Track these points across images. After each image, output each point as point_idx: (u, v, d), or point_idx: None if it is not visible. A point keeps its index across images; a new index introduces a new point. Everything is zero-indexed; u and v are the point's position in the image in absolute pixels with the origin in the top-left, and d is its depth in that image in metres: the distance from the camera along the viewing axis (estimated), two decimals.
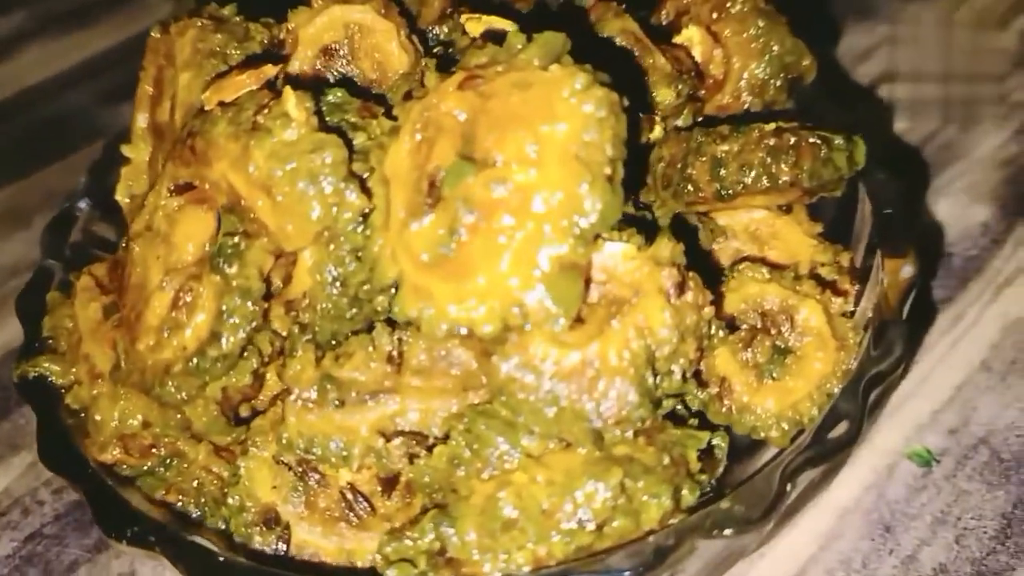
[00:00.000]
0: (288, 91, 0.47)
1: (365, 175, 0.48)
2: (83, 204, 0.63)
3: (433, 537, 0.45)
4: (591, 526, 0.44)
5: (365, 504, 0.51)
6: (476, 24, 0.57)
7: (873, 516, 0.63)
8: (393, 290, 0.47)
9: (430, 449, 0.49)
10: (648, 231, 0.49)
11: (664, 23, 0.65)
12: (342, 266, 0.49)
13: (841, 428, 0.47)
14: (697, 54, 0.63)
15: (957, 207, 0.81)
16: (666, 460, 0.47)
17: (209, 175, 0.48)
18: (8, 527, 0.68)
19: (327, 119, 0.50)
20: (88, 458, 0.50)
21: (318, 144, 0.46)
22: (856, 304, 0.56)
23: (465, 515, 0.45)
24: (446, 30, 0.59)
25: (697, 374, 0.52)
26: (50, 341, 0.55)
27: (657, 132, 0.58)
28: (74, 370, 0.53)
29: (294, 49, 0.55)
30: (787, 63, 0.62)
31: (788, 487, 0.44)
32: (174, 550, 0.45)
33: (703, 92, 0.63)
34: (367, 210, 0.48)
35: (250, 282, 0.48)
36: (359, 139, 0.49)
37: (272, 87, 0.51)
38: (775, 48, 0.62)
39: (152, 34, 0.60)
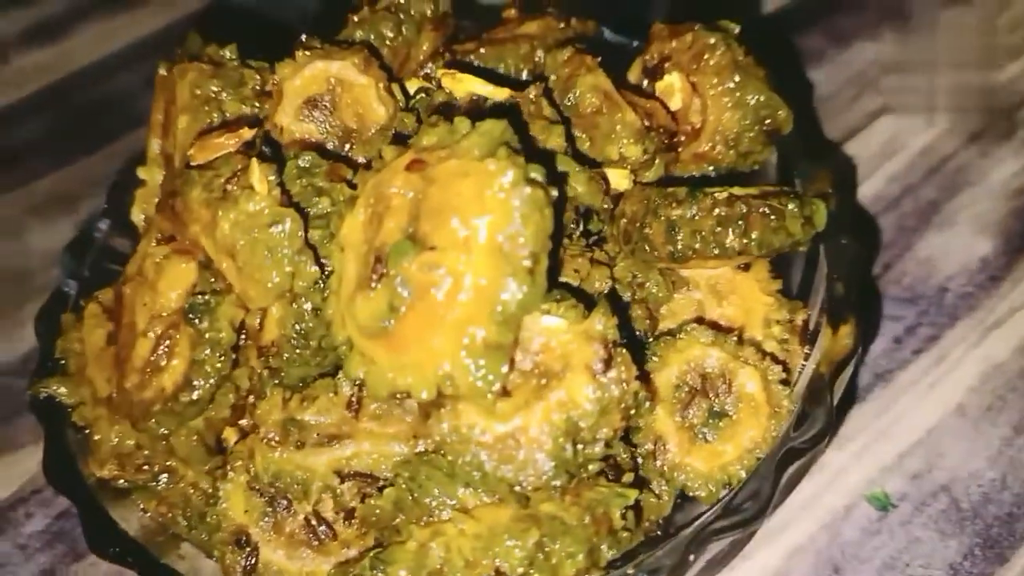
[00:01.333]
0: (254, 164, 0.51)
1: (325, 241, 0.52)
2: (103, 224, 0.69)
3: None
4: None
5: (327, 530, 0.56)
6: (451, 80, 0.60)
7: (824, 556, 0.66)
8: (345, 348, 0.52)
9: (381, 490, 0.54)
10: (587, 302, 0.52)
11: (648, 67, 0.67)
12: (303, 321, 0.53)
13: (752, 502, 0.50)
14: (677, 100, 0.65)
15: (959, 238, 0.82)
16: (587, 519, 0.50)
17: (187, 234, 0.53)
18: (42, 504, 0.76)
19: (299, 180, 0.54)
20: (85, 478, 0.56)
21: (277, 217, 0.50)
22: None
23: (399, 560, 0.50)
24: (424, 82, 0.62)
25: (632, 431, 0.55)
26: (61, 362, 0.61)
27: (625, 184, 0.61)
28: (81, 390, 0.60)
29: (279, 100, 0.59)
30: (762, 116, 0.63)
31: (691, 557, 0.48)
32: (148, 573, 0.51)
33: (680, 139, 0.65)
34: (325, 274, 0.52)
35: (220, 335, 0.53)
36: (323, 203, 0.53)
37: (251, 147, 0.56)
38: (750, 101, 0.63)
39: (160, 71, 0.65)
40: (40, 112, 1.08)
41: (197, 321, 0.52)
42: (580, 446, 0.50)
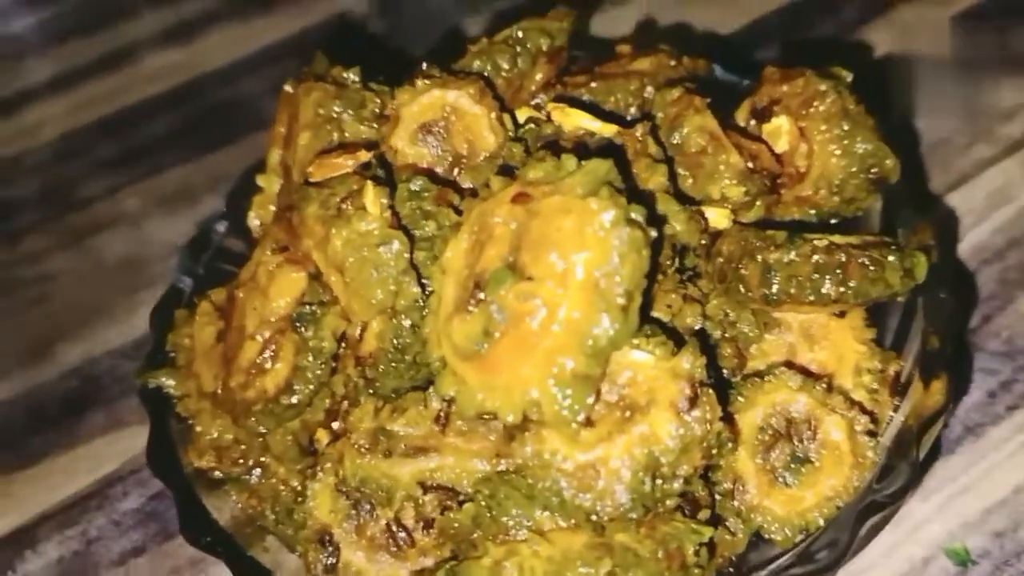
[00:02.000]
0: (368, 186, 0.54)
1: (428, 262, 0.55)
2: (220, 227, 0.72)
3: None
4: None
5: (406, 537, 0.59)
6: (560, 114, 0.61)
7: None
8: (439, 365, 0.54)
9: (461, 504, 0.56)
10: (677, 340, 0.53)
11: (757, 108, 0.67)
12: (401, 337, 0.56)
13: (828, 551, 0.50)
14: (783, 143, 0.65)
15: None
16: (660, 553, 0.51)
17: (300, 246, 0.56)
18: (139, 484, 0.81)
19: (409, 202, 0.57)
20: (184, 467, 0.60)
21: (386, 238, 0.53)
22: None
23: (474, 574, 0.52)
24: (535, 112, 0.64)
25: (712, 469, 0.56)
26: (172, 354, 0.65)
27: (724, 223, 0.62)
28: (187, 383, 0.63)
29: (396, 124, 0.62)
30: (869, 164, 0.63)
31: None
32: (235, 563, 0.54)
33: (784, 181, 0.65)
34: (425, 294, 0.54)
35: (323, 343, 0.56)
36: (430, 227, 0.56)
37: (367, 168, 0.58)
38: (858, 149, 0.63)
39: (286, 88, 0.68)
40: (170, 110, 1.13)
41: (303, 329, 0.55)
42: (659, 481, 0.51)
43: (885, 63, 1.00)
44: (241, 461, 0.62)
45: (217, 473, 0.62)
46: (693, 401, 0.51)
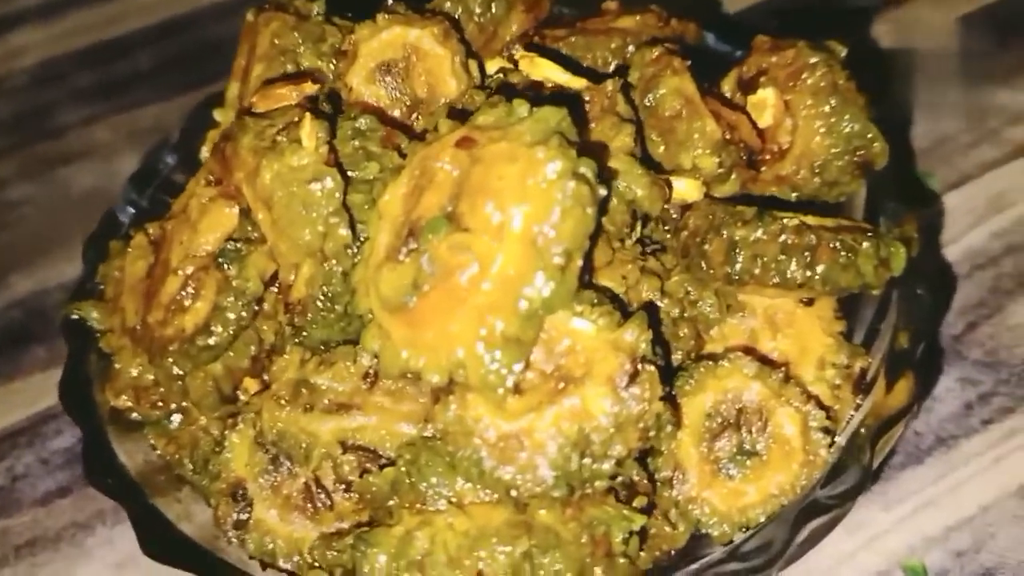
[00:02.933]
0: (307, 118, 0.50)
1: (366, 206, 0.51)
2: (170, 159, 0.69)
3: (348, 556, 0.48)
4: None
5: (324, 498, 0.55)
6: (528, 63, 0.57)
7: None
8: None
9: (382, 468, 0.52)
10: (626, 312, 0.49)
11: (744, 79, 0.63)
12: (331, 284, 0.52)
13: (763, 552, 0.46)
14: (768, 117, 0.61)
15: None
16: (584, 538, 0.48)
17: (231, 180, 0.52)
18: (71, 423, 0.77)
19: (353, 141, 0.53)
20: (97, 404, 0.56)
21: (318, 174, 0.49)
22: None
23: (381, 543, 0.48)
24: (506, 62, 0.60)
25: (654, 454, 0.52)
26: (100, 287, 0.62)
27: (694, 195, 0.58)
28: (112, 318, 0.60)
29: (354, 60, 0.58)
30: (855, 145, 0.59)
31: None
32: (134, 509, 0.51)
33: (765, 157, 0.61)
34: (359, 240, 0.51)
35: (247, 284, 0.52)
36: (372, 168, 0.52)
37: (314, 102, 0.55)
38: (844, 128, 0.59)
39: (248, 17, 0.64)
40: (155, 44, 1.10)
41: (226, 267, 0.51)
42: (588, 460, 0.47)
43: (891, 53, 0.96)
44: (160, 404, 0.58)
45: (136, 415, 0.59)
46: (632, 377, 0.47)
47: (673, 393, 0.51)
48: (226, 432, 0.57)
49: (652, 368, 0.47)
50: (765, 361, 0.55)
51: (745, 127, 0.59)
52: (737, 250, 0.53)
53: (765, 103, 0.61)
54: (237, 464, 0.56)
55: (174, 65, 1.07)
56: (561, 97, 0.51)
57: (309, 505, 0.55)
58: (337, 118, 0.53)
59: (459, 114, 0.51)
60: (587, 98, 0.55)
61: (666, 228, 0.59)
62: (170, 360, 0.53)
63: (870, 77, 0.61)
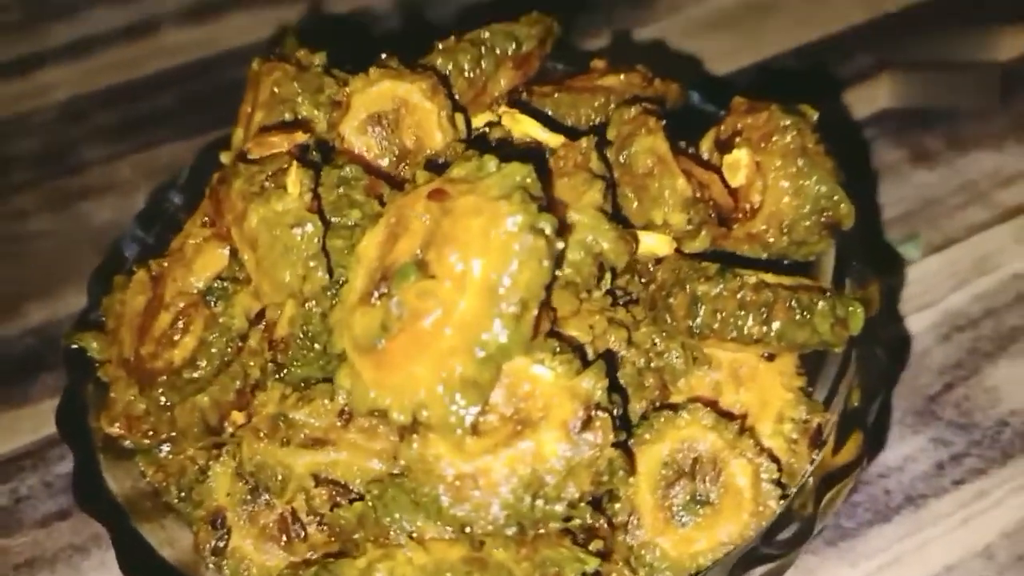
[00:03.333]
0: (293, 167, 0.53)
1: (346, 252, 0.54)
2: (176, 199, 0.72)
3: None
4: None
5: (299, 531, 0.58)
6: (510, 119, 0.61)
7: None
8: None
9: (352, 502, 0.55)
10: (587, 362, 0.52)
11: (721, 139, 0.66)
12: (310, 324, 0.55)
13: None
14: (742, 176, 0.64)
15: None
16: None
17: (223, 221, 0.56)
18: None
19: (338, 188, 0.56)
20: (90, 430, 0.59)
21: (300, 220, 0.52)
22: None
23: (344, 573, 0.51)
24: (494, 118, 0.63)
25: (612, 499, 0.54)
26: (103, 318, 0.65)
27: (665, 250, 0.60)
28: (111, 349, 0.63)
29: (347, 111, 0.61)
30: (822, 206, 0.61)
31: None
32: (116, 532, 0.54)
33: (737, 217, 0.64)
34: (339, 283, 0.54)
35: (232, 320, 0.55)
36: (355, 215, 0.55)
37: (305, 151, 0.58)
38: (811, 190, 0.61)
39: (253, 66, 0.68)
40: (178, 85, 1.14)
41: (213, 304, 0.55)
42: (541, 501, 0.49)
43: (885, 113, 0.98)
44: (152, 433, 0.61)
45: (128, 443, 0.62)
46: (586, 423, 0.49)
47: (628, 440, 0.53)
48: (210, 462, 0.59)
49: (606, 415, 0.50)
50: (723, 414, 0.57)
51: (716, 186, 0.62)
52: (699, 304, 0.56)
53: (739, 163, 0.64)
54: (218, 493, 0.58)
55: (194, 106, 1.11)
56: (528, 153, 0.54)
57: (284, 536, 0.58)
58: (324, 166, 0.56)
59: (436, 166, 0.54)
60: (562, 154, 0.58)
61: (643, 281, 0.61)
62: (159, 391, 0.56)
63: (854, 138, 0.63)
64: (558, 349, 0.51)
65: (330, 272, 0.53)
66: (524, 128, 0.60)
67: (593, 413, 0.49)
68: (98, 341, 0.63)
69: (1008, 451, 0.72)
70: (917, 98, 0.99)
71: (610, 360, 0.54)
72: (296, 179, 0.53)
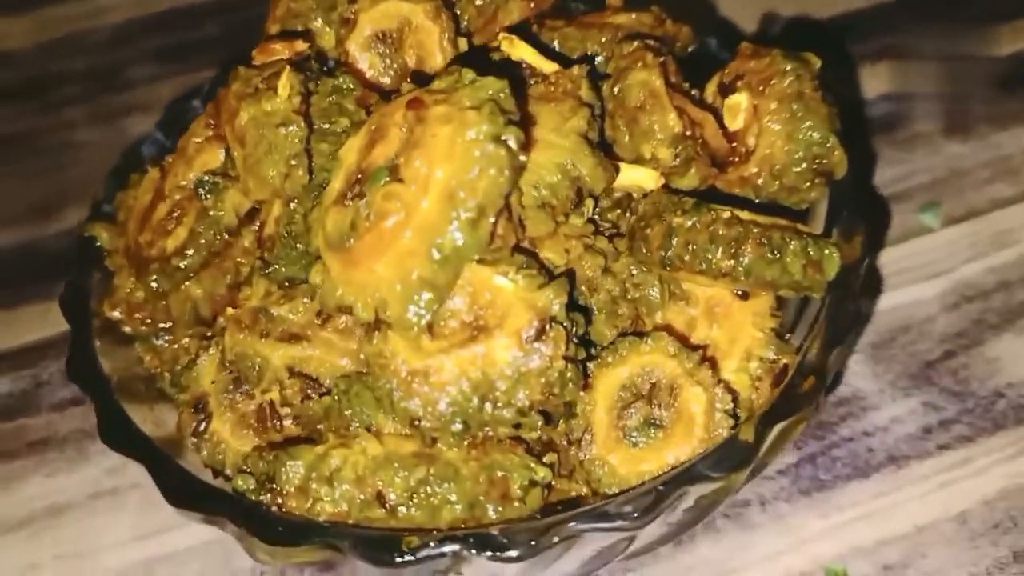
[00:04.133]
0: (285, 71, 0.56)
1: (331, 155, 0.56)
2: (196, 102, 0.75)
3: (269, 465, 0.53)
4: (385, 504, 0.51)
5: (276, 423, 0.60)
6: (508, 44, 0.62)
7: None
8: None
9: (321, 395, 0.57)
10: (551, 278, 0.53)
11: (724, 82, 0.66)
12: (294, 224, 0.57)
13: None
14: (739, 120, 0.64)
15: None
16: (482, 477, 0.52)
17: (219, 121, 0.58)
18: None
19: (331, 96, 0.58)
20: (91, 312, 0.63)
21: (286, 120, 0.54)
22: None
23: (300, 457, 0.53)
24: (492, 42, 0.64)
25: (570, 415, 0.56)
26: (115, 211, 0.68)
27: (651, 184, 0.61)
28: (119, 240, 0.66)
29: (354, 27, 0.63)
30: (814, 153, 0.61)
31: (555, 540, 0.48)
32: (100, 404, 0.57)
33: (733, 159, 0.64)
34: (323, 185, 0.56)
35: (221, 214, 0.58)
36: (343, 122, 0.57)
37: (307, 60, 0.60)
38: (804, 136, 0.61)
39: None
40: (220, 16, 1.17)
41: (203, 197, 0.57)
42: (489, 405, 0.51)
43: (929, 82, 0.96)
44: (149, 321, 0.64)
45: (127, 329, 0.65)
46: (539, 333, 0.51)
47: (586, 359, 0.55)
48: (200, 352, 0.62)
49: (560, 328, 0.51)
50: (692, 347, 0.58)
51: (710, 126, 0.62)
52: (672, 236, 0.57)
53: (738, 106, 0.64)
54: (204, 380, 0.61)
55: (235, 35, 1.14)
56: (506, 70, 0.55)
57: (261, 425, 0.60)
58: (321, 75, 0.58)
59: (422, 79, 0.55)
60: (553, 80, 0.59)
61: (633, 212, 0.62)
62: (152, 277, 0.60)
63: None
64: (525, 264, 0.53)
65: (310, 172, 0.55)
66: (520, 53, 0.61)
67: (548, 325, 0.51)
68: (108, 232, 0.67)
69: (1000, 422, 0.71)
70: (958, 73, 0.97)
71: (573, 280, 0.55)
72: (287, 82, 0.55)
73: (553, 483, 0.55)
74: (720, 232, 0.55)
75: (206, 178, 0.57)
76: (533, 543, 0.48)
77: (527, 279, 0.52)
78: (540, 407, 0.52)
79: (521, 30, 0.65)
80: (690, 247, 0.56)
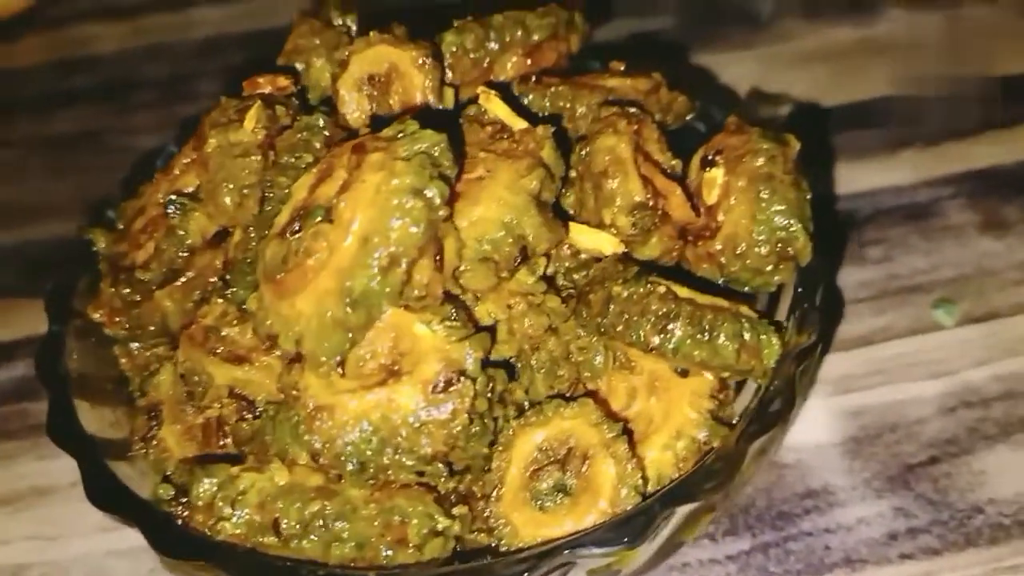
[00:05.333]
0: (255, 105, 0.58)
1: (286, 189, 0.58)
2: None
3: (184, 480, 0.55)
4: (280, 533, 0.52)
5: (222, 439, 0.62)
6: (485, 99, 0.63)
7: None
8: None
9: (256, 418, 0.59)
10: (478, 328, 0.54)
11: (706, 155, 0.65)
12: (251, 250, 0.59)
13: None
14: (714, 195, 0.63)
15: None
16: (378, 521, 0.52)
17: (198, 145, 0.61)
18: None
19: (302, 133, 0.60)
20: (73, 312, 0.66)
21: (246, 152, 0.57)
22: None
23: (214, 475, 0.55)
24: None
25: (485, 471, 0.56)
26: (117, 218, 0.72)
27: (608, 250, 0.61)
28: (113, 246, 0.70)
29: (345, 68, 0.66)
30: (779, 237, 0.60)
31: None
32: (51, 395, 0.61)
33: (704, 235, 0.63)
34: (275, 215, 0.58)
35: (186, 235, 0.61)
36: (307, 159, 0.59)
37: (290, 96, 0.63)
38: (769, 218, 0.60)
39: (295, 16, 0.74)
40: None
41: (171, 216, 0.60)
42: (390, 450, 0.52)
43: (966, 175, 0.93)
44: (127, 326, 0.68)
45: (108, 331, 0.69)
46: (447, 385, 0.51)
47: (499, 414, 0.55)
48: (164, 361, 0.65)
49: (469, 383, 0.52)
50: (621, 419, 0.57)
51: (674, 198, 0.62)
52: (611, 305, 0.56)
53: (714, 181, 0.63)
54: (163, 389, 0.64)
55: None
56: (448, 124, 0.56)
57: (204, 439, 0.63)
58: (300, 112, 0.61)
59: (380, 123, 0.57)
60: (518, 138, 0.60)
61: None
62: (123, 287, 0.63)
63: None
64: (452, 316, 0.54)
65: (262, 204, 0.57)
66: (494, 108, 0.62)
67: (457, 378, 0.51)
68: (105, 237, 0.71)
69: (972, 539, 0.68)
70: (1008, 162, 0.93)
71: (494, 335, 0.56)
72: (253, 115, 0.58)
73: (463, 535, 0.55)
74: (652, 306, 0.55)
75: (175, 198, 0.60)
76: None
77: (448, 330, 0.53)
78: (444, 458, 0.53)
79: (501, 86, 0.66)
80: (624, 317, 0.56)
